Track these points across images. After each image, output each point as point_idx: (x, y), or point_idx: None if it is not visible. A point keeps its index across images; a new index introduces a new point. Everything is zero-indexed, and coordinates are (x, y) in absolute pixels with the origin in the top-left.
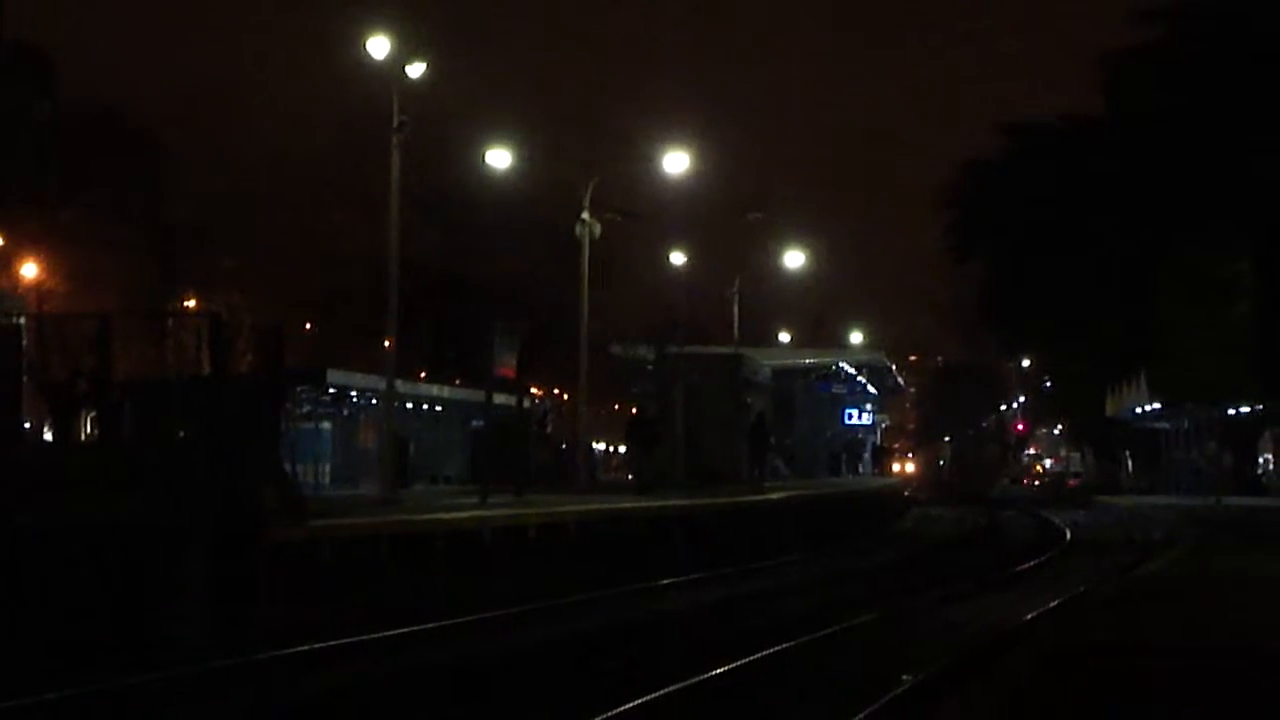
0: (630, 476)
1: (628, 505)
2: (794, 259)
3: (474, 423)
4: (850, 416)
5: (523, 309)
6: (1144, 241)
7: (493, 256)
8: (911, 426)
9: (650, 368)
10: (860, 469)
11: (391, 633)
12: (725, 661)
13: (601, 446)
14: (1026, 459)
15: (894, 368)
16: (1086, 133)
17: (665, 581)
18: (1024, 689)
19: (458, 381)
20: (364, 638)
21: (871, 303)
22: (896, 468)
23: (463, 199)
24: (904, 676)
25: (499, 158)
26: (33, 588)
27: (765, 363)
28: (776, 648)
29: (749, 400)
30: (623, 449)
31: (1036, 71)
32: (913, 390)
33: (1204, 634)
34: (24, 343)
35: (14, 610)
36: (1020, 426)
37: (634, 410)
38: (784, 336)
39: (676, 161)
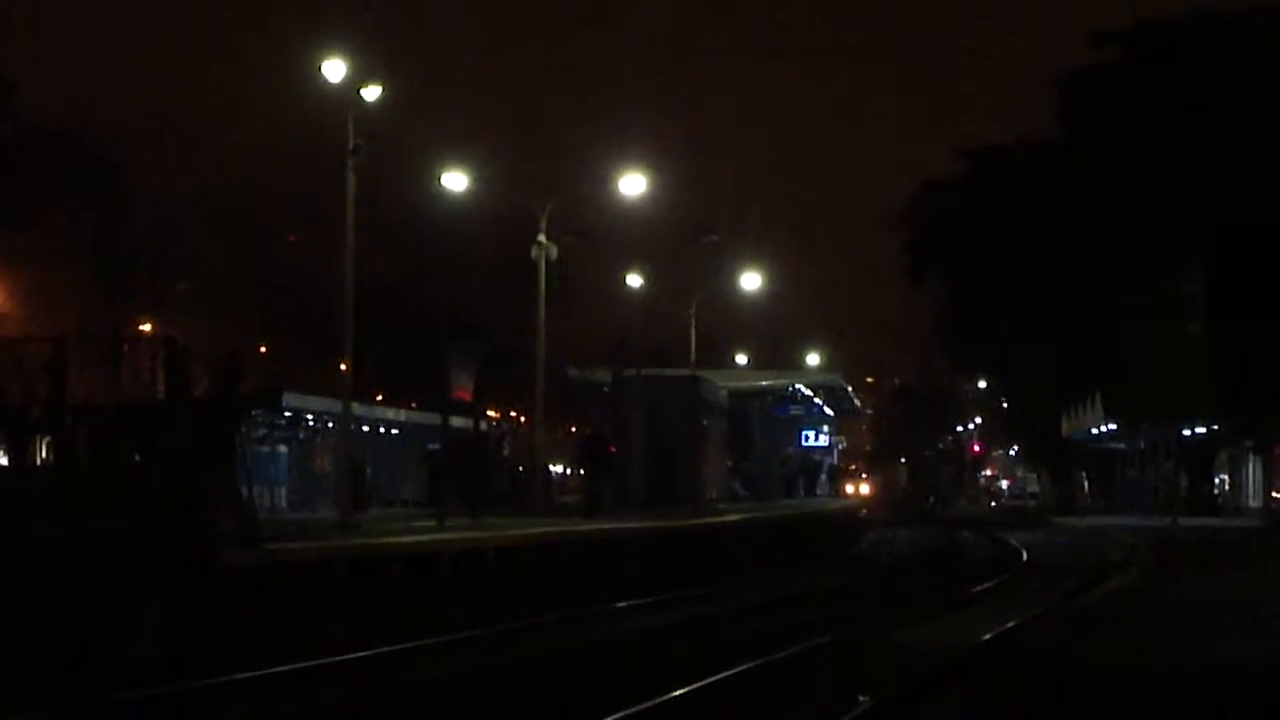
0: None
1: (585, 528)
2: (751, 281)
3: (431, 446)
4: (807, 438)
5: (479, 331)
6: (1099, 263)
7: (449, 279)
8: (868, 448)
9: (607, 390)
10: (818, 490)
11: (346, 657)
12: (679, 685)
13: (559, 469)
14: (983, 480)
15: (851, 389)
16: (1043, 155)
17: (621, 604)
18: (980, 710)
19: (414, 404)
20: (319, 662)
21: (828, 325)
22: (851, 489)
23: (419, 221)
24: (860, 698)
25: (455, 180)
26: None
27: (722, 385)
28: (731, 671)
29: (705, 422)
30: (581, 471)
31: (994, 95)
32: (870, 412)
33: (1160, 655)
34: None
35: None
36: (976, 448)
37: (577, 430)
38: (741, 359)
39: (633, 184)
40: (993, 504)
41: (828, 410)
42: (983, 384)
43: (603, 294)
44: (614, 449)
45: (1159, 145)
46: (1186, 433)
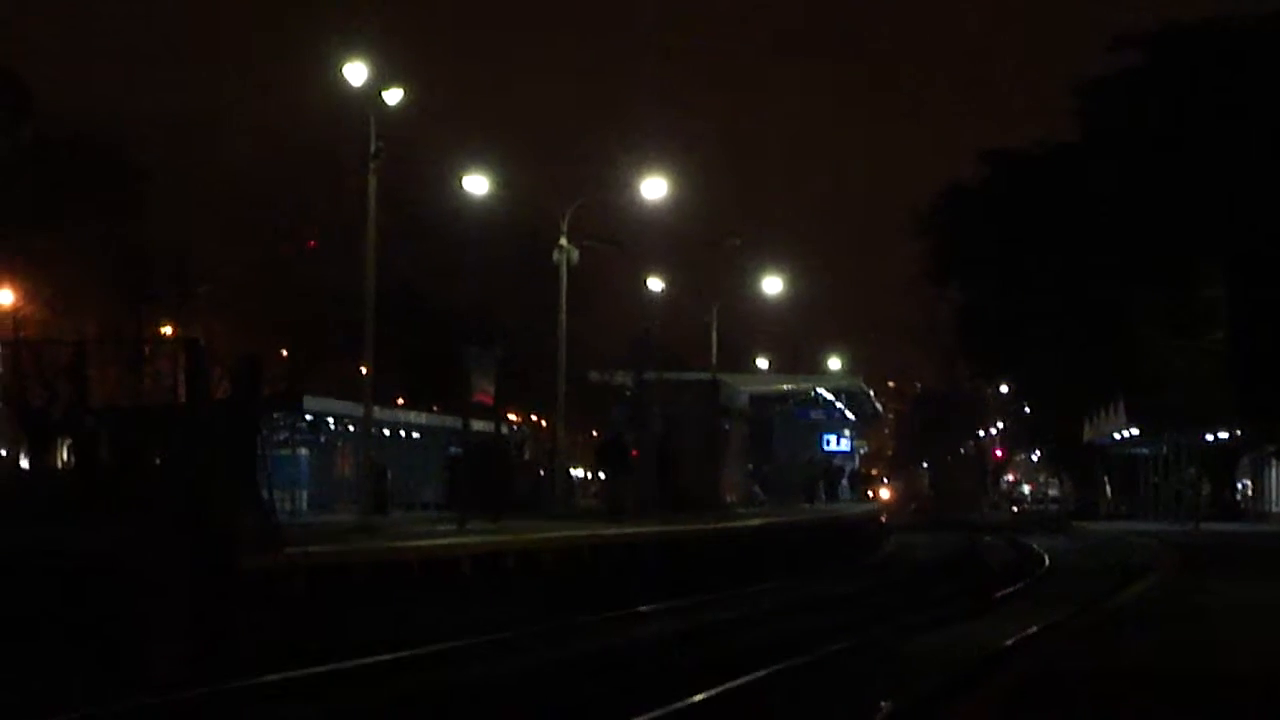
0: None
1: (606, 532)
2: (772, 285)
3: (451, 449)
4: (829, 442)
5: (500, 334)
6: (1121, 268)
7: (470, 282)
8: (890, 452)
9: (628, 394)
10: (840, 495)
11: (367, 661)
12: (699, 689)
13: (580, 472)
14: (1005, 485)
15: (872, 394)
16: (1064, 160)
17: (642, 608)
18: (1003, 717)
19: (435, 407)
20: (339, 667)
21: (850, 329)
22: (872, 493)
23: (440, 224)
24: (882, 704)
25: (476, 183)
26: (7, 614)
27: (743, 389)
28: (752, 675)
29: (726, 426)
30: (601, 475)
31: (1017, 99)
32: (891, 416)
33: (1182, 661)
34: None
35: None
36: (998, 452)
37: (598, 434)
38: (762, 363)
39: (654, 187)
40: (1014, 509)
41: (849, 414)
42: (1005, 388)
43: (624, 297)
44: (635, 453)
45: (1181, 150)
46: (1209, 438)
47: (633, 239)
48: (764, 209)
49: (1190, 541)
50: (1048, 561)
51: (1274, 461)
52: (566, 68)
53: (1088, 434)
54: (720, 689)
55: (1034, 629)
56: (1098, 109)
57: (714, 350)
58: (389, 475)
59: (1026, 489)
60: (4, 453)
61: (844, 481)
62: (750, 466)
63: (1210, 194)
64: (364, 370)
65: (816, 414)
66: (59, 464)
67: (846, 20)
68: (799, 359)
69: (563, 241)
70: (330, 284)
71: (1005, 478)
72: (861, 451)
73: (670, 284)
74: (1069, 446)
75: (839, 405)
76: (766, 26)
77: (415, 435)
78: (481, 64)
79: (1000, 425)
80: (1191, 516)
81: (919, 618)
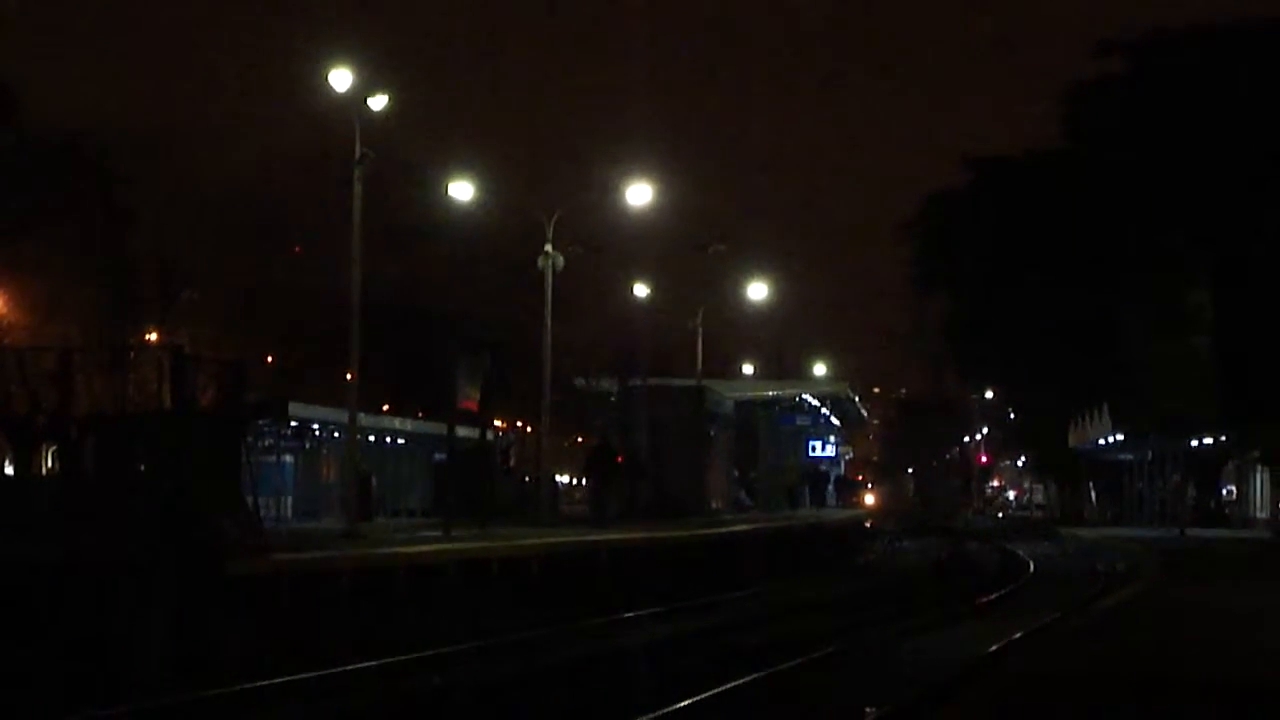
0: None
1: (591, 538)
2: (757, 291)
3: (437, 456)
4: (814, 448)
5: (485, 341)
6: (1106, 274)
7: (455, 288)
8: (875, 458)
9: (613, 400)
10: (826, 500)
11: (351, 668)
12: (687, 695)
13: (565, 479)
14: (990, 491)
15: (857, 400)
16: (1049, 165)
17: (628, 615)
18: None
19: (421, 414)
20: (323, 673)
21: (835, 335)
22: (856, 499)
23: (425, 231)
24: (868, 709)
25: (462, 190)
26: None
27: (729, 395)
28: (739, 681)
29: (712, 432)
30: (587, 481)
31: (1001, 106)
32: (876, 422)
33: (1166, 667)
34: None
35: None
36: (983, 458)
37: (583, 440)
38: (747, 369)
39: (640, 193)
40: (999, 515)
41: (834, 420)
42: (990, 394)
43: (609, 304)
44: (620, 459)
45: (1166, 156)
46: (1194, 444)
47: (617, 244)
48: (750, 215)
49: (1175, 548)
50: (1032, 567)
51: (1259, 467)
52: (555, 72)
53: (1073, 440)
54: (705, 695)
55: (1018, 635)
56: (1083, 115)
57: (699, 356)
58: (374, 482)
59: (1012, 495)
60: None
61: (829, 487)
62: (736, 473)
63: (1196, 199)
64: (349, 377)
65: (802, 420)
66: (44, 471)
67: (834, 26)
68: (784, 365)
69: (548, 248)
70: (316, 290)
71: (990, 484)
72: (847, 457)
73: (656, 290)
74: (1054, 452)
75: (824, 411)
76: (756, 30)
77: (400, 442)
78: (468, 68)
79: (985, 431)
80: (1177, 522)
81: (904, 623)
